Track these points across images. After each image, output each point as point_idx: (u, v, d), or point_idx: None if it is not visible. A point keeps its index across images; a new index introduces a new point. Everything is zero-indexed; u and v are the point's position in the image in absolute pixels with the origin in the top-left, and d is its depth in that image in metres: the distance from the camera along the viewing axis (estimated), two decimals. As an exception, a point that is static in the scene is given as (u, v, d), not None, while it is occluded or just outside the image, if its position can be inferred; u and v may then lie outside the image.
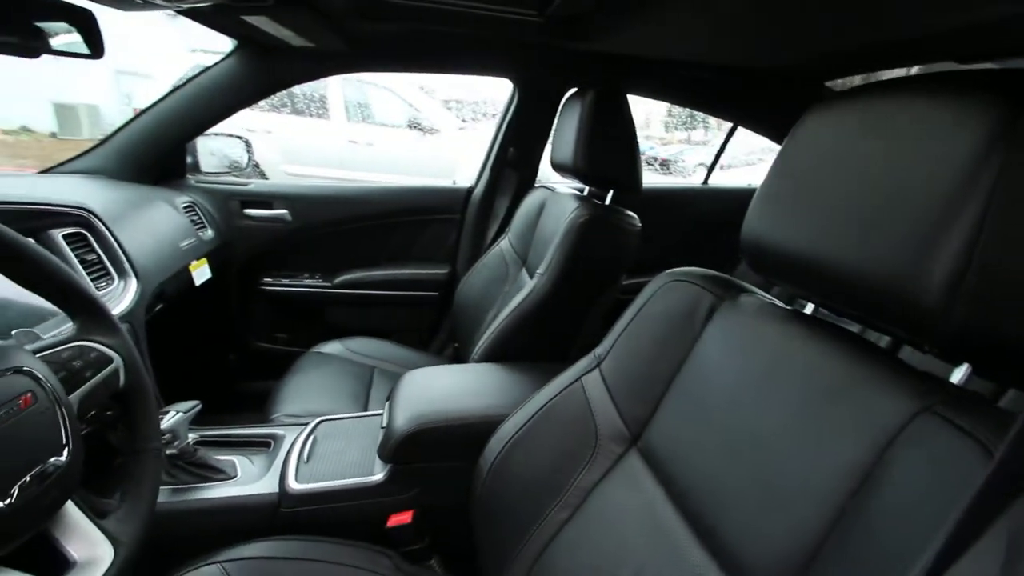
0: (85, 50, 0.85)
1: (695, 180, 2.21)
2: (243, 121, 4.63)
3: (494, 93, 1.77)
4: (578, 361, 0.83)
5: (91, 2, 0.80)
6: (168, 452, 0.90)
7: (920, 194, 0.42)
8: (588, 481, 0.73)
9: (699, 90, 1.68)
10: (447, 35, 1.40)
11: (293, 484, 0.91)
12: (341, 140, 4.93)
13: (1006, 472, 0.28)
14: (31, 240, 0.58)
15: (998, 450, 0.32)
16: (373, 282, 1.80)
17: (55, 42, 0.84)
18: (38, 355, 0.55)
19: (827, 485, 0.46)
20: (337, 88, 4.92)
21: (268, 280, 1.77)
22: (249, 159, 1.78)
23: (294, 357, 1.50)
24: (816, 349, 0.55)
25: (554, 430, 0.78)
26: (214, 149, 1.69)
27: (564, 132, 1.25)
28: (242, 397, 1.72)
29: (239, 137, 1.73)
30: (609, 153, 1.18)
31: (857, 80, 1.50)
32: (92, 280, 1.00)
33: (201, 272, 1.46)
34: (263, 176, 4.64)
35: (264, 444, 1.05)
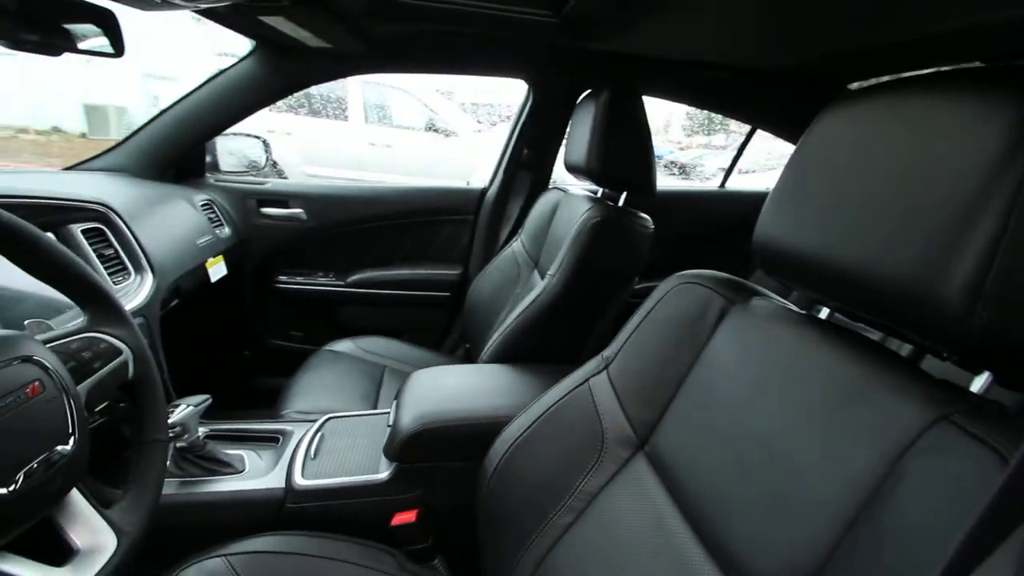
0: (106, 49, 0.87)
1: (713, 185, 2.18)
2: (264, 122, 4.71)
3: (511, 95, 1.76)
4: (586, 364, 0.82)
5: (112, 2, 0.81)
6: (178, 445, 0.91)
7: (941, 193, 0.40)
8: (593, 485, 0.72)
9: (716, 91, 1.66)
10: (462, 36, 1.40)
11: (299, 480, 0.92)
12: (360, 142, 4.98)
13: (1022, 483, 0.26)
14: (46, 233, 0.59)
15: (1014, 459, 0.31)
16: (386, 282, 1.81)
17: (78, 42, 0.86)
18: (48, 345, 0.55)
19: (838, 494, 0.44)
20: (356, 90, 4.98)
21: (283, 278, 1.79)
22: (267, 159, 1.81)
23: (308, 354, 1.51)
24: (830, 354, 0.53)
25: (560, 433, 0.77)
26: (233, 149, 1.72)
27: (578, 133, 1.24)
28: (257, 393, 1.74)
29: (257, 137, 1.75)
30: (623, 154, 1.16)
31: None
32: (109, 274, 1.02)
33: (217, 269, 1.48)
34: (283, 177, 4.71)
35: (273, 440, 1.05)
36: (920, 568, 0.35)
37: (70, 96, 7.00)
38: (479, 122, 5.65)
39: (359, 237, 1.80)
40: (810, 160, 0.56)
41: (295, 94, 1.79)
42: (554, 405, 0.78)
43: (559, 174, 1.66)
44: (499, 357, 1.17)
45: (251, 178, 1.77)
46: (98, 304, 0.64)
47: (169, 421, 0.86)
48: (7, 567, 0.46)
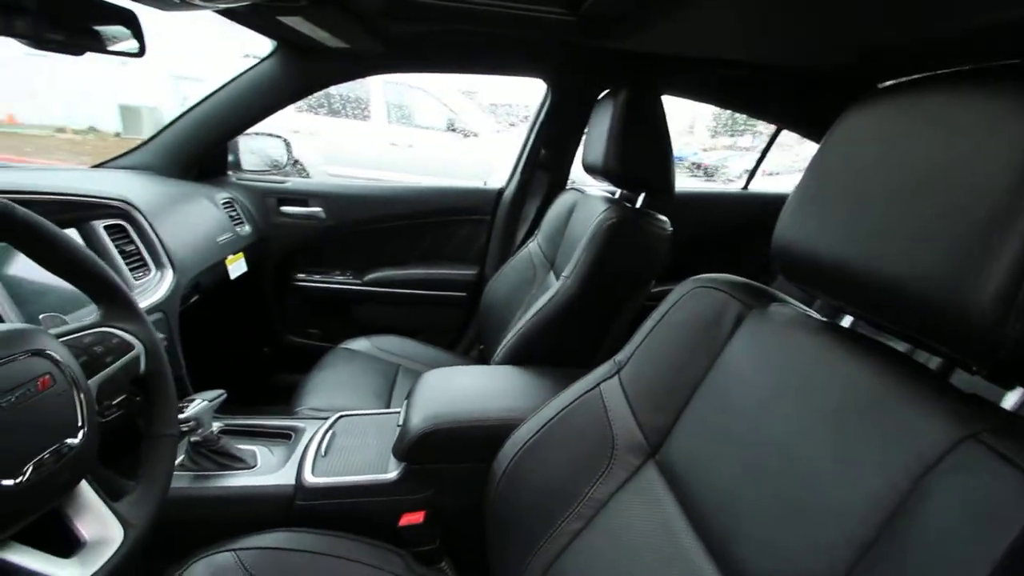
0: (129, 49, 0.89)
1: (737, 187, 2.13)
2: (289, 122, 4.79)
3: (531, 96, 1.75)
4: (598, 368, 0.80)
5: (133, 2, 0.83)
6: (192, 439, 0.92)
7: (971, 195, 0.37)
8: (603, 492, 0.70)
9: (739, 90, 1.62)
10: (480, 36, 1.40)
11: (309, 477, 0.92)
12: (382, 142, 5.03)
13: None
14: (63, 230, 0.60)
15: None
16: (402, 281, 1.82)
17: (104, 42, 0.88)
18: (61, 339, 0.56)
19: (857, 511, 0.42)
20: (379, 91, 5.03)
21: (302, 276, 1.81)
22: (288, 158, 1.83)
23: (325, 351, 1.52)
24: (851, 364, 0.50)
25: (570, 437, 0.76)
26: (255, 148, 1.75)
27: (596, 133, 1.22)
28: (275, 389, 1.76)
29: (279, 137, 1.78)
30: (641, 155, 1.14)
31: (914, 81, 1.41)
32: (130, 270, 1.04)
33: (237, 266, 1.50)
34: (305, 176, 4.79)
35: (285, 436, 1.06)
36: None
37: (106, 97, 7.26)
38: (500, 123, 5.66)
39: (377, 236, 1.81)
40: (833, 161, 0.53)
41: (318, 95, 1.81)
42: (564, 409, 0.77)
43: (578, 175, 1.65)
44: (512, 358, 1.16)
45: (272, 177, 1.80)
46: (112, 300, 0.65)
47: (184, 415, 0.88)
48: (15, 558, 0.47)
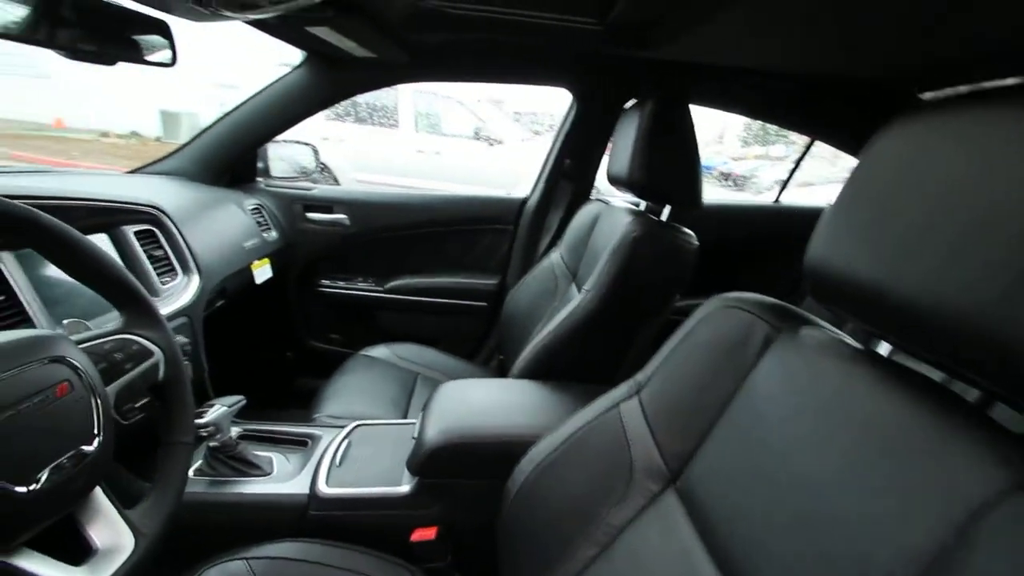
0: (161, 59, 0.91)
1: (767, 198, 2.07)
2: (319, 129, 4.88)
3: (557, 105, 1.75)
4: (617, 387, 0.78)
5: (165, 13, 0.85)
6: (210, 444, 0.93)
7: (1019, 219, 0.34)
8: (620, 518, 0.67)
9: (771, 101, 1.57)
10: (505, 45, 1.39)
11: (323, 487, 0.92)
12: (409, 149, 5.09)
13: None
14: (93, 234, 0.61)
15: None
16: (423, 289, 1.82)
17: (139, 52, 0.91)
18: (81, 346, 0.57)
19: (891, 559, 0.38)
20: (408, 99, 5.09)
21: (325, 282, 1.83)
22: (316, 165, 1.86)
23: (346, 357, 1.53)
24: (888, 397, 0.47)
25: (587, 459, 0.73)
26: (284, 155, 1.78)
27: (621, 144, 1.20)
28: (296, 393, 1.78)
29: (307, 144, 1.81)
30: (667, 167, 1.11)
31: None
32: (158, 274, 1.06)
33: (262, 271, 1.52)
34: (335, 182, 4.87)
35: (302, 443, 1.07)
36: None
37: (148, 103, 7.56)
38: (533, 133, 5.67)
39: (399, 244, 1.82)
40: (871, 177, 0.50)
41: (346, 103, 1.83)
42: (582, 429, 0.75)
43: (603, 186, 1.62)
44: (531, 372, 1.14)
45: (299, 183, 1.82)
46: (133, 307, 0.66)
47: (203, 421, 0.88)
48: (27, 564, 0.47)
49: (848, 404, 0.49)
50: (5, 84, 7.06)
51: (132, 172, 1.49)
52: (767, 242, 1.87)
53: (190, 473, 0.93)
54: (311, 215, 1.77)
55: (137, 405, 0.73)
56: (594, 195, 1.73)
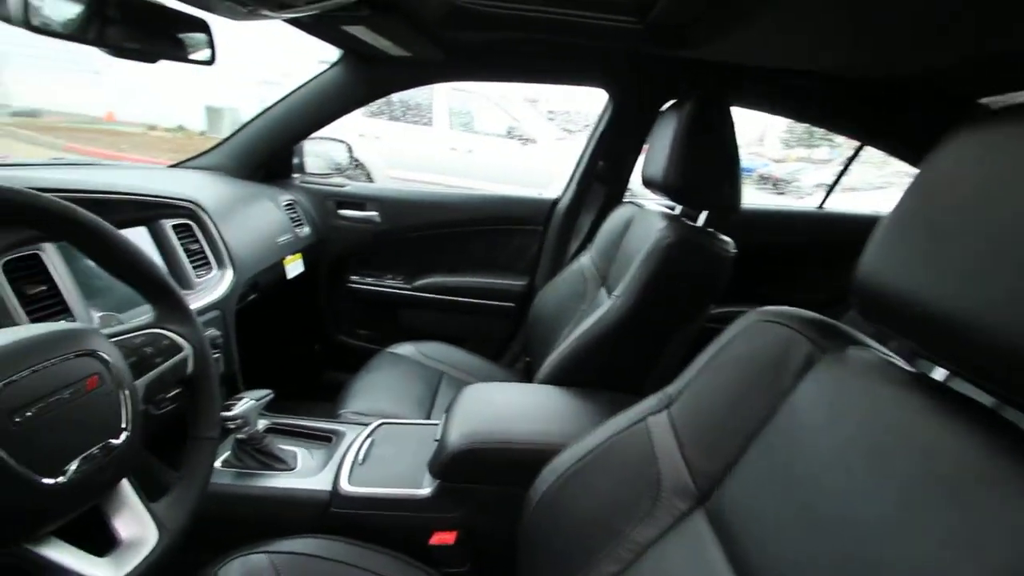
0: (201, 57, 0.92)
1: (811, 203, 1.98)
2: (355, 126, 4.95)
3: (591, 103, 1.72)
4: (647, 398, 0.75)
5: (206, 12, 0.86)
6: (238, 437, 0.95)
7: None
8: (644, 536, 0.65)
9: (818, 103, 1.50)
10: (541, 44, 1.37)
11: (345, 485, 0.92)
12: (443, 147, 5.12)
13: None
14: (132, 228, 0.62)
15: None
16: (451, 288, 1.82)
17: (183, 49, 0.93)
18: (113, 339, 0.58)
19: None
20: (443, 97, 5.12)
21: (355, 278, 1.84)
22: (349, 162, 1.88)
23: (373, 353, 1.54)
24: (944, 427, 0.43)
25: (612, 471, 0.71)
26: (319, 151, 1.80)
27: (658, 146, 1.16)
28: (323, 386, 1.80)
29: (342, 141, 1.83)
30: (705, 170, 1.07)
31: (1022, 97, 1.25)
32: (193, 268, 1.09)
33: (294, 266, 1.55)
34: (369, 179, 4.94)
35: (326, 439, 1.08)
36: None
37: (194, 98, 7.87)
38: (567, 131, 5.64)
39: (429, 242, 1.82)
40: (936, 189, 0.46)
41: (382, 100, 1.84)
42: (608, 440, 0.72)
43: (636, 187, 1.58)
44: (557, 377, 1.12)
45: (332, 180, 1.85)
46: (165, 301, 0.67)
47: (231, 413, 0.90)
48: (53, 554, 0.48)
49: (902, 436, 0.46)
50: (62, 79, 7.46)
51: (174, 166, 1.53)
52: (809, 249, 1.80)
53: (217, 464, 0.95)
54: (343, 212, 1.79)
55: (169, 395, 0.75)
56: (627, 196, 1.69)
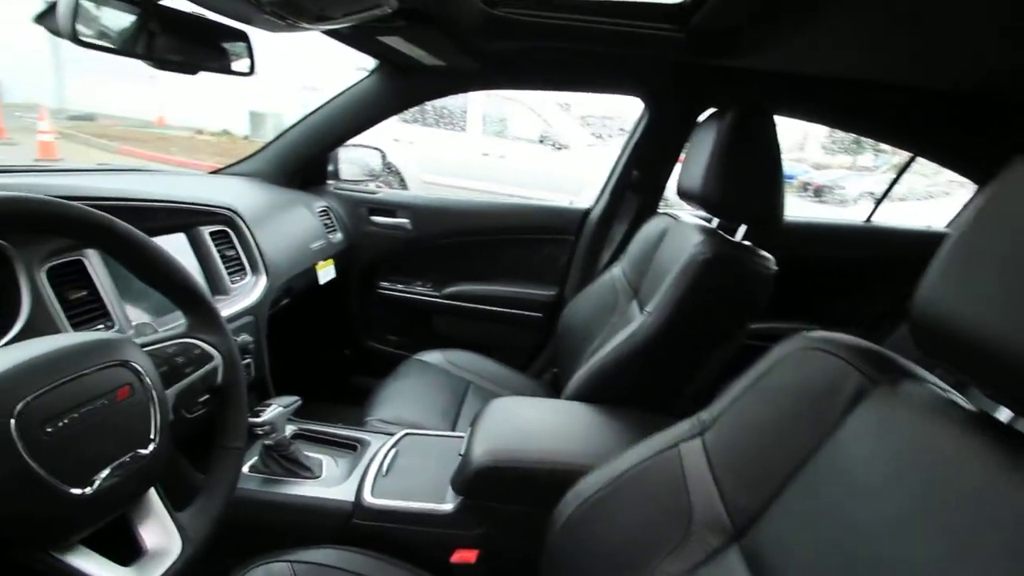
0: (240, 68, 0.94)
1: (854, 212, 1.89)
2: (391, 131, 5.02)
3: (623, 109, 1.69)
4: (679, 423, 0.72)
5: (246, 25, 0.88)
6: (265, 443, 0.96)
7: None
8: (674, 570, 0.62)
9: (866, 113, 1.43)
10: (576, 52, 1.35)
11: (368, 497, 0.92)
12: (475, 153, 5.15)
13: None
14: (158, 243, 0.63)
15: None
16: (480, 296, 1.81)
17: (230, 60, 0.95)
18: (146, 349, 0.59)
19: None
20: (477, 103, 5.15)
21: (385, 284, 1.86)
22: (383, 168, 1.90)
23: (401, 359, 1.55)
24: (1008, 474, 0.39)
25: (640, 499, 0.68)
26: (354, 158, 1.83)
27: (695, 157, 1.12)
28: (352, 390, 1.82)
29: (376, 148, 1.85)
30: (745, 183, 1.03)
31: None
32: (228, 274, 1.11)
33: (326, 272, 1.57)
34: (403, 183, 5.01)
35: (351, 447, 1.08)
36: None
37: (239, 104, 8.19)
38: (598, 137, 5.59)
39: (459, 250, 1.82)
40: (1005, 216, 0.42)
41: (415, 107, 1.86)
42: (637, 466, 0.70)
43: (671, 198, 1.54)
44: (585, 394, 1.09)
45: (366, 187, 1.87)
46: (198, 311, 0.68)
47: (260, 420, 0.91)
48: (79, 562, 0.49)
49: (961, 481, 0.42)
50: (119, 87, 7.88)
51: (214, 173, 1.58)
52: (855, 265, 1.71)
53: (245, 468, 0.96)
54: (375, 218, 1.80)
55: (201, 400, 0.76)
56: (662, 207, 1.65)
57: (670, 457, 0.68)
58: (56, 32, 0.69)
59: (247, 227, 1.19)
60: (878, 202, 1.77)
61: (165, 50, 0.83)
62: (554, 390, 1.57)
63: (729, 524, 0.60)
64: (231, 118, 8.75)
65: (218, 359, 0.68)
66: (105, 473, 0.49)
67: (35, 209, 0.50)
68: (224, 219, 1.14)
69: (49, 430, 0.45)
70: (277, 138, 1.63)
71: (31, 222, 0.51)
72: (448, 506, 0.90)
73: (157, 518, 0.58)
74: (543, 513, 0.74)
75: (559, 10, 1.06)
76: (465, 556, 0.87)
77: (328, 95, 1.59)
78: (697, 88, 1.46)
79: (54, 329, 0.69)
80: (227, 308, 1.05)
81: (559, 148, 5.06)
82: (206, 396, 0.72)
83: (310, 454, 1.01)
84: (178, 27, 0.81)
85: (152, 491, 0.58)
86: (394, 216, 1.80)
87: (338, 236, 1.66)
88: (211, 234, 1.09)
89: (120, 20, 0.80)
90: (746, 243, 1.07)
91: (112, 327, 0.79)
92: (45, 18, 0.69)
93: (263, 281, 1.19)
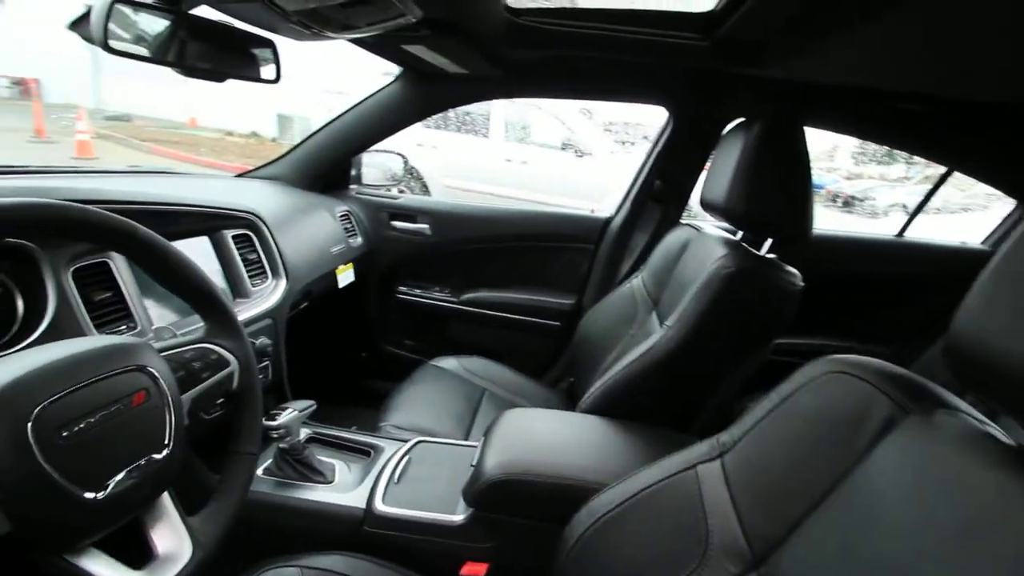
0: (266, 76, 0.96)
1: (883, 225, 1.83)
2: (414, 136, 5.06)
3: (649, 115, 1.66)
4: (697, 443, 0.70)
5: (273, 34, 0.89)
6: (280, 446, 0.96)
7: None
8: None
9: (900, 125, 1.39)
10: (600, 60, 1.34)
11: (379, 504, 0.91)
12: (498, 158, 5.16)
13: None
14: (178, 249, 0.64)
15: None
16: (498, 303, 1.80)
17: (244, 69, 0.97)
18: (163, 353, 0.59)
19: None
20: (499, 109, 5.16)
21: (404, 289, 1.87)
22: (405, 173, 1.91)
23: (417, 364, 1.55)
24: None
25: (655, 521, 0.66)
26: (376, 163, 1.84)
27: (721, 167, 1.09)
28: (367, 393, 1.83)
29: (399, 154, 1.86)
30: (773, 196, 1.00)
31: None
32: (249, 277, 1.12)
33: (346, 276, 1.58)
34: (425, 188, 5.04)
35: (365, 453, 1.08)
36: None
37: (267, 107, 8.39)
38: (621, 143, 5.56)
39: (478, 256, 1.82)
40: None
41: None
42: (652, 487, 0.68)
43: (697, 209, 1.51)
44: (601, 407, 1.07)
45: (387, 192, 1.88)
46: (216, 316, 0.68)
47: (275, 423, 0.91)
48: (91, 565, 0.49)
49: (1000, 520, 0.40)
50: (154, 90, 8.15)
51: (239, 176, 1.61)
52: (883, 281, 1.65)
53: (259, 471, 0.97)
54: (395, 223, 1.81)
55: (218, 402, 0.76)
56: (685, 217, 1.63)
57: (687, 479, 0.67)
58: (89, 39, 0.71)
59: (269, 231, 1.21)
60: (911, 216, 1.71)
61: (194, 58, 0.85)
62: (570, 399, 1.55)
63: (748, 551, 0.58)
64: (260, 120, 8.97)
65: (234, 364, 0.69)
66: (119, 477, 0.49)
67: (57, 214, 0.51)
68: (247, 223, 1.16)
69: (65, 434, 0.45)
70: (301, 143, 1.65)
71: (54, 226, 0.52)
72: (459, 517, 0.89)
73: (169, 522, 0.58)
74: (555, 529, 0.73)
75: (583, 19, 1.05)
76: (475, 569, 0.86)
77: (353, 100, 1.60)
78: (723, 98, 1.43)
79: (78, 329, 0.71)
80: (247, 311, 1.06)
81: (581, 155, 5.04)
82: (222, 400, 0.73)
83: (323, 459, 1.02)
84: (206, 35, 0.83)
85: (165, 495, 0.58)
86: (414, 221, 1.80)
87: (358, 240, 1.68)
88: (234, 238, 1.11)
89: (151, 28, 0.82)
90: (771, 257, 1.04)
91: (135, 328, 0.80)
92: (79, 25, 0.71)
93: (283, 284, 1.20)
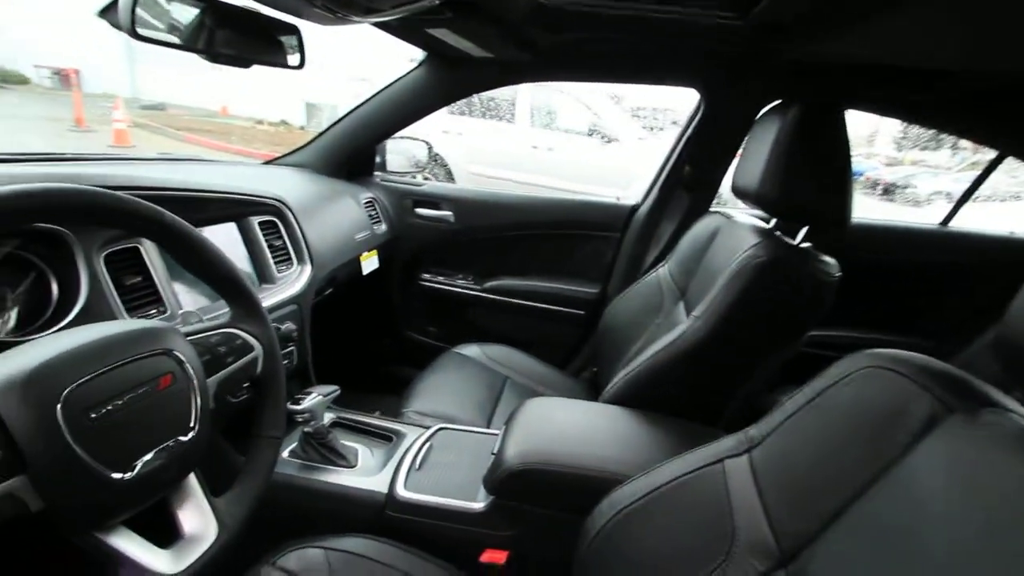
0: (291, 62, 0.96)
1: (925, 213, 1.75)
2: (440, 122, 5.05)
3: (679, 100, 1.61)
4: (724, 437, 0.68)
5: (297, 18, 0.88)
6: (305, 430, 0.98)
7: None
8: None
9: (946, 107, 1.31)
10: (630, 43, 1.30)
11: (400, 490, 0.92)
12: (523, 145, 5.11)
13: None
14: (205, 236, 0.64)
15: None
16: (521, 291, 1.79)
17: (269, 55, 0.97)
18: (190, 338, 0.60)
19: None
20: (525, 94, 5.10)
21: (427, 276, 1.87)
22: (430, 160, 1.90)
23: (440, 350, 1.55)
24: None
25: (679, 515, 0.65)
26: (401, 150, 1.84)
27: (754, 153, 1.05)
28: (391, 380, 1.85)
29: (422, 141, 1.85)
30: (809, 183, 0.95)
31: None
32: (275, 263, 1.14)
33: (370, 263, 1.59)
34: (450, 175, 5.04)
35: (388, 438, 1.09)
36: None
37: (296, 95, 8.50)
38: (649, 129, 5.45)
39: (501, 244, 1.81)
40: None
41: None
42: (677, 480, 0.66)
43: (727, 196, 1.47)
44: (624, 398, 1.05)
45: (412, 179, 1.88)
46: (241, 302, 0.69)
47: (300, 407, 0.93)
48: (120, 543, 0.51)
49: None
50: (188, 79, 8.34)
51: (266, 163, 1.63)
52: (925, 272, 1.58)
53: (284, 453, 0.99)
54: (419, 210, 1.81)
55: (244, 386, 0.77)
56: (715, 205, 1.58)
57: (713, 473, 0.65)
58: (117, 26, 0.71)
59: (295, 218, 1.22)
60: (957, 205, 1.62)
61: (219, 44, 0.85)
62: (592, 389, 1.53)
63: (776, 549, 0.56)
64: (290, 109, 9.10)
65: (258, 349, 0.69)
66: (146, 458, 0.51)
67: (88, 200, 0.51)
68: (273, 210, 1.17)
69: (93, 416, 0.46)
70: (326, 130, 1.66)
71: (84, 212, 0.53)
72: (479, 505, 0.89)
73: (195, 503, 0.59)
74: (576, 519, 0.72)
75: None
76: (495, 556, 0.86)
77: (378, 86, 1.60)
78: (759, 80, 1.38)
79: (110, 313, 0.72)
80: (273, 297, 1.08)
81: (608, 141, 4.95)
82: (248, 384, 0.74)
83: (347, 443, 1.03)
84: (231, 21, 0.83)
85: (191, 476, 0.59)
86: (438, 208, 1.80)
87: (382, 227, 1.68)
88: (260, 224, 1.12)
89: (177, 15, 0.82)
90: (806, 246, 1.00)
91: (164, 313, 0.82)
92: (108, 12, 0.72)
93: (308, 271, 1.21)
